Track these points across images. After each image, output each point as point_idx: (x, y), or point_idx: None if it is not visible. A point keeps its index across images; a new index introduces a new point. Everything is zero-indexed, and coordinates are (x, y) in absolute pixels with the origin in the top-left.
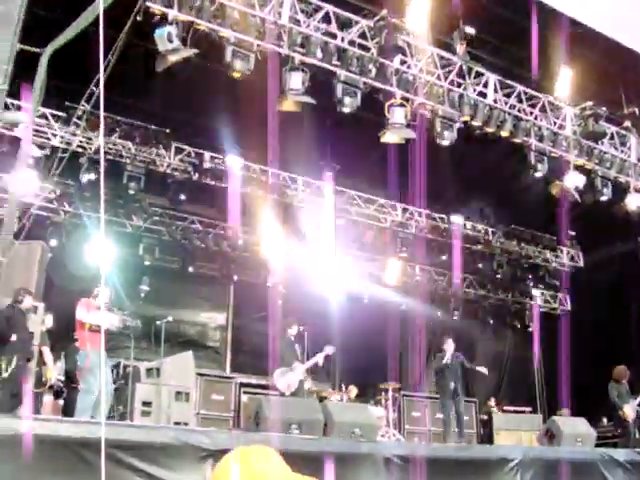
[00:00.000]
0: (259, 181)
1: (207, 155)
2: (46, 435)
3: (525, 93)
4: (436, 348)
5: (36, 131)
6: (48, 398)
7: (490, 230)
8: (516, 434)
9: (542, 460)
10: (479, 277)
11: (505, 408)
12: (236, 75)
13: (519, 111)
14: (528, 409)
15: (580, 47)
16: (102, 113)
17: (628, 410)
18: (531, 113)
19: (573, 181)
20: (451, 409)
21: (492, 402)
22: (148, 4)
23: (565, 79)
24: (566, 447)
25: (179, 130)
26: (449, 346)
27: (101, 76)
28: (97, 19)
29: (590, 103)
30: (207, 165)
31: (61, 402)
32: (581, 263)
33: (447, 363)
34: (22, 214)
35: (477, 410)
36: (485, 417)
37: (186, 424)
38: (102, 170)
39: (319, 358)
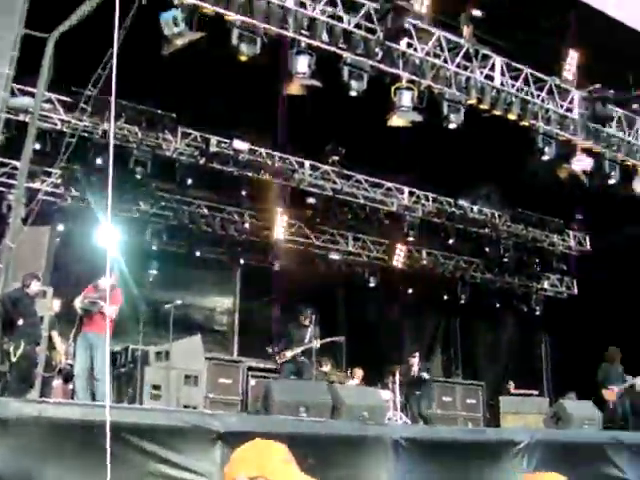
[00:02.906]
0: (265, 165)
1: (213, 139)
2: (55, 418)
3: (532, 76)
4: (443, 331)
5: (42, 116)
6: (58, 382)
7: (497, 214)
8: (523, 417)
9: (549, 443)
10: (485, 261)
11: (512, 391)
12: (242, 58)
13: (526, 94)
14: (535, 392)
15: (587, 28)
16: (114, 99)
17: (608, 392)
18: (538, 96)
19: (581, 164)
20: None
21: (511, 385)
22: None
23: (572, 61)
24: (573, 430)
25: (185, 114)
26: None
27: (114, 61)
28: (103, 3)
29: (598, 86)
30: (213, 149)
31: (71, 386)
32: (588, 247)
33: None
34: (30, 199)
35: (483, 393)
36: (491, 401)
37: (195, 407)
38: (111, 155)
39: (323, 342)
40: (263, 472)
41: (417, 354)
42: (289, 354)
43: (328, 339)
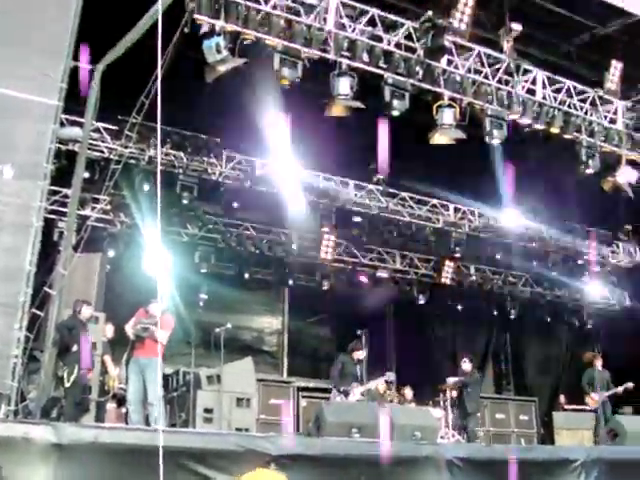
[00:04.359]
0: (311, 186)
1: (258, 162)
2: (110, 443)
3: (574, 88)
4: (493, 347)
5: (90, 145)
6: (111, 406)
7: (544, 227)
8: (578, 433)
9: (606, 460)
10: (534, 275)
11: (565, 407)
12: (284, 83)
13: (569, 106)
14: (589, 407)
15: (630, 38)
16: (159, 126)
17: (591, 399)
18: (581, 108)
19: (625, 176)
20: None
21: (562, 399)
22: (196, 16)
23: (615, 72)
24: (630, 446)
25: (230, 139)
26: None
27: (159, 89)
28: (147, 33)
29: None
30: (259, 172)
31: (124, 410)
32: (638, 258)
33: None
34: (80, 226)
35: (536, 409)
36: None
37: (247, 430)
38: (159, 181)
39: (377, 383)
40: None
41: (466, 359)
42: (357, 392)
43: (381, 379)
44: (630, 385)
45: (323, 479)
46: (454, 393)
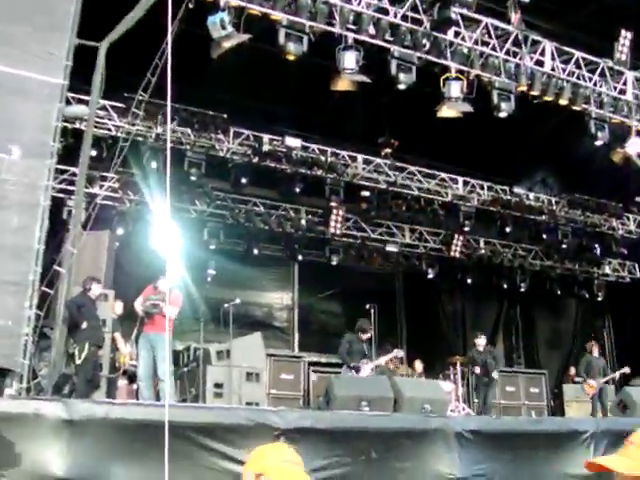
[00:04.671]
0: (318, 160)
1: (266, 137)
2: (122, 419)
3: (584, 59)
4: (503, 320)
5: (97, 123)
6: (122, 383)
7: (554, 200)
8: (588, 405)
9: (615, 431)
10: (544, 248)
11: (575, 379)
12: (290, 57)
13: (578, 78)
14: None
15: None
16: (169, 103)
17: (588, 386)
18: (590, 79)
19: (635, 147)
20: None
21: (572, 371)
22: None
23: (625, 41)
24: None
25: (236, 114)
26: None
27: (169, 66)
28: (151, 10)
29: None
30: (266, 148)
31: (135, 386)
32: None
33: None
34: (88, 204)
35: (546, 382)
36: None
37: (257, 404)
38: (169, 157)
39: (387, 359)
40: (265, 470)
41: (483, 336)
42: (367, 368)
43: (390, 355)
44: (627, 370)
45: (333, 453)
46: (477, 369)
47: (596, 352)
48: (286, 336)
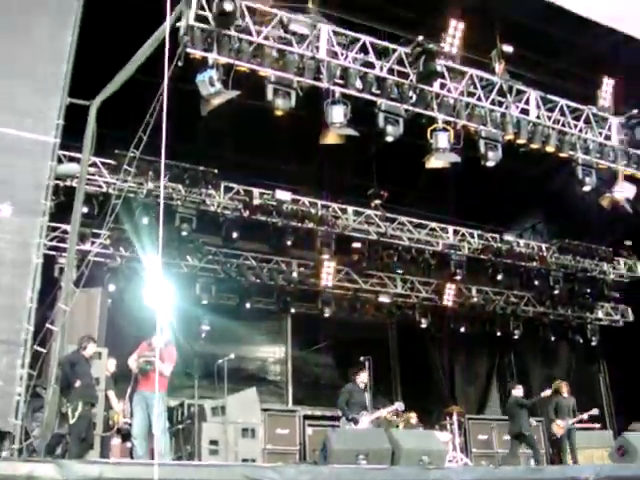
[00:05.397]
0: (309, 213)
1: (256, 192)
2: (115, 478)
3: (568, 106)
4: (498, 368)
5: (88, 180)
6: (116, 441)
7: (544, 246)
8: (587, 452)
9: (615, 478)
10: (536, 294)
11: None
12: (278, 113)
13: (563, 125)
14: (597, 425)
15: (621, 54)
16: (163, 160)
17: (557, 426)
18: (575, 126)
19: (623, 192)
20: None
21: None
22: (188, 50)
23: (607, 88)
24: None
25: (227, 169)
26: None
27: (163, 124)
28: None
29: (636, 111)
30: (257, 201)
31: (129, 445)
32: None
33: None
34: (80, 261)
35: (545, 429)
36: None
37: (254, 460)
38: (162, 214)
39: (387, 411)
40: None
41: (520, 386)
42: (366, 420)
43: (391, 408)
44: (595, 411)
45: None
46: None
47: (565, 392)
48: (280, 390)
